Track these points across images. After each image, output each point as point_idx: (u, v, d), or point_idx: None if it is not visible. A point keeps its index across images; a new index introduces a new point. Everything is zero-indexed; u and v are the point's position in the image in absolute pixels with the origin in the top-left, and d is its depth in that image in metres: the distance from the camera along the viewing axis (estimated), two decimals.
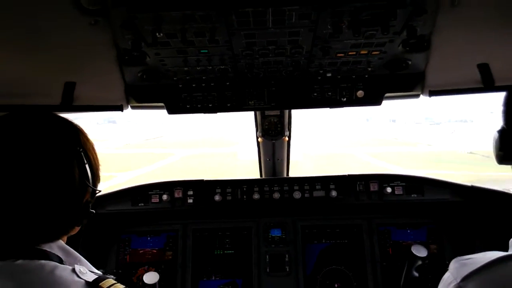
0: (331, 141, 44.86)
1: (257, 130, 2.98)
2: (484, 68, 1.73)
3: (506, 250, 1.16)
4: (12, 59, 1.60)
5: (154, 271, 2.71)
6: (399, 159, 28.58)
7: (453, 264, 1.20)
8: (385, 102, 2.01)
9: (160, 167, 26.36)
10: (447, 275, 1.20)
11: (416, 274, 2.52)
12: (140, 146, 40.24)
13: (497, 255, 1.11)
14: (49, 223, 1.19)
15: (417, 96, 2.00)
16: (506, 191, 2.63)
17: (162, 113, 2.10)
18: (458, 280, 1.11)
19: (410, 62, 1.78)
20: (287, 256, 2.80)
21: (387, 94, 1.97)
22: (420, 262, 2.50)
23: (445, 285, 1.16)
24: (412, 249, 2.50)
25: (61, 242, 1.26)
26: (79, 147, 1.24)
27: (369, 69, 1.84)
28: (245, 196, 2.85)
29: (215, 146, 39.70)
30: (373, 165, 27.22)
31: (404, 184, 2.81)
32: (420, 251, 2.48)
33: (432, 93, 1.91)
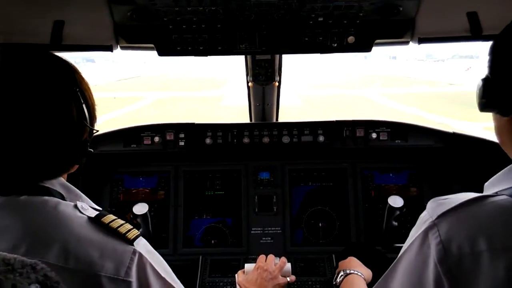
0: (332, 81, 39.72)
1: (247, 75, 2.98)
2: (472, 16, 1.75)
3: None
4: None
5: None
6: (437, 105, 23.24)
7: (430, 204, 1.27)
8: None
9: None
10: (424, 213, 1.26)
11: (395, 223, 2.65)
12: (106, 90, 32.15)
13: (471, 196, 1.17)
14: (50, 160, 1.23)
15: (406, 43, 2.02)
16: (485, 138, 2.73)
17: (148, 52, 2.10)
18: (434, 217, 1.17)
19: (401, 8, 1.78)
20: (274, 197, 2.93)
21: (376, 41, 1.99)
22: (398, 212, 2.62)
23: (421, 223, 1.23)
24: (388, 201, 2.60)
25: (62, 180, 1.31)
26: (75, 87, 1.25)
27: (361, 14, 1.84)
28: (235, 140, 2.91)
29: (199, 88, 34.73)
30: (410, 114, 20.61)
31: (389, 130, 2.89)
32: (396, 202, 2.58)
33: (422, 40, 1.93)
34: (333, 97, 28.20)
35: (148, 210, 2.67)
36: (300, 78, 39.79)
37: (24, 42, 1.83)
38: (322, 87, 34.34)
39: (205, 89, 33.78)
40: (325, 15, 1.85)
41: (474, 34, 1.80)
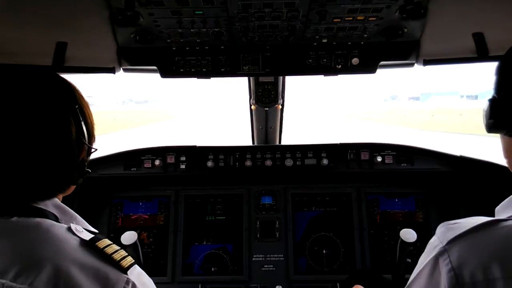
0: None
1: (250, 98, 2.97)
2: (479, 37, 1.74)
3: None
4: (2, 17, 1.55)
5: (145, 234, 2.78)
6: None
7: (439, 229, 1.24)
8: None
9: None
10: (433, 239, 1.23)
11: (409, 260, 2.44)
12: None
13: (483, 220, 1.14)
14: (46, 180, 1.19)
15: (411, 65, 2.01)
16: (493, 161, 2.67)
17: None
18: (444, 243, 1.14)
19: (406, 30, 1.78)
20: (277, 223, 2.86)
21: (381, 63, 1.97)
22: (411, 248, 2.39)
23: (431, 249, 1.20)
24: (401, 235, 2.37)
25: (57, 200, 1.26)
26: (75, 104, 1.23)
27: (365, 35, 1.83)
28: (237, 163, 2.86)
29: None
30: None
31: (394, 153, 2.84)
32: (409, 236, 2.34)
33: (427, 62, 1.92)
34: None
35: (147, 235, 2.57)
36: None
37: (27, 64, 1.81)
38: None
39: None
40: (329, 36, 1.84)
41: (481, 55, 1.78)
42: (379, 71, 2.01)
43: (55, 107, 1.18)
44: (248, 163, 2.85)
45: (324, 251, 2.82)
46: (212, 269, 2.79)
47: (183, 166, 2.87)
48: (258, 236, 2.84)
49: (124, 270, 1.13)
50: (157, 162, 2.85)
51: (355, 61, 1.93)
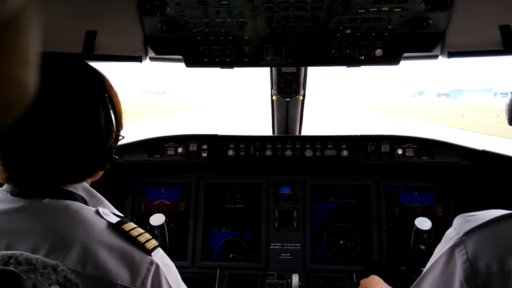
0: None
1: (272, 88, 2.99)
2: (505, 30, 1.71)
3: None
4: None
5: (167, 220, 2.84)
6: None
7: (456, 220, 1.24)
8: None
9: None
10: (450, 230, 1.23)
11: (422, 247, 2.50)
12: None
13: (500, 213, 1.13)
14: (76, 164, 1.24)
15: (435, 57, 1.98)
16: None
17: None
18: (461, 234, 1.14)
19: (431, 21, 1.76)
20: (295, 212, 2.89)
21: (405, 54, 1.96)
22: (425, 236, 2.45)
23: (447, 239, 1.20)
24: (415, 223, 2.44)
25: (86, 184, 1.31)
26: (104, 93, 1.28)
27: (389, 26, 1.82)
28: (257, 153, 2.90)
29: None
30: None
31: (415, 146, 2.82)
32: (423, 224, 2.42)
33: (451, 54, 1.89)
34: None
35: (168, 221, 2.64)
36: None
37: (58, 51, 1.88)
38: None
39: None
40: (353, 27, 1.84)
41: (507, 48, 1.75)
42: (405, 64, 2.00)
43: (86, 95, 1.23)
44: (268, 152, 2.89)
45: (341, 242, 2.84)
46: (231, 255, 2.85)
47: (204, 154, 2.92)
48: (276, 225, 2.88)
49: (149, 252, 1.18)
50: (179, 150, 2.91)
51: (378, 52, 1.93)
